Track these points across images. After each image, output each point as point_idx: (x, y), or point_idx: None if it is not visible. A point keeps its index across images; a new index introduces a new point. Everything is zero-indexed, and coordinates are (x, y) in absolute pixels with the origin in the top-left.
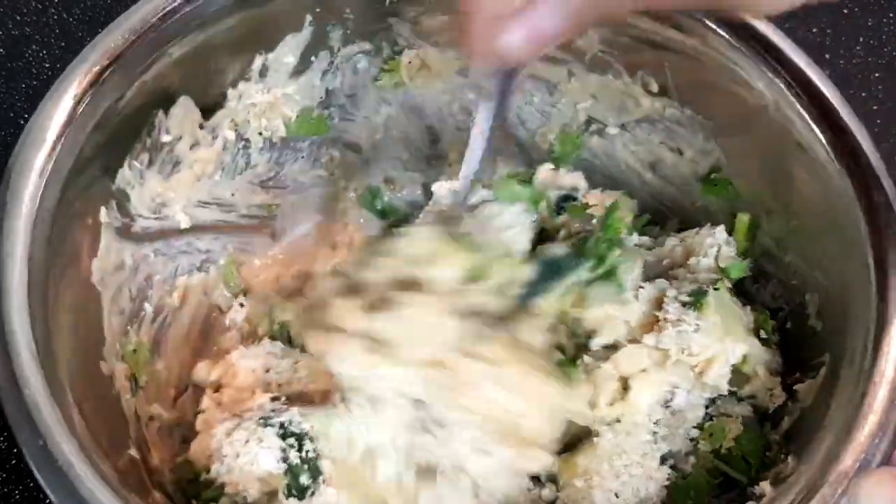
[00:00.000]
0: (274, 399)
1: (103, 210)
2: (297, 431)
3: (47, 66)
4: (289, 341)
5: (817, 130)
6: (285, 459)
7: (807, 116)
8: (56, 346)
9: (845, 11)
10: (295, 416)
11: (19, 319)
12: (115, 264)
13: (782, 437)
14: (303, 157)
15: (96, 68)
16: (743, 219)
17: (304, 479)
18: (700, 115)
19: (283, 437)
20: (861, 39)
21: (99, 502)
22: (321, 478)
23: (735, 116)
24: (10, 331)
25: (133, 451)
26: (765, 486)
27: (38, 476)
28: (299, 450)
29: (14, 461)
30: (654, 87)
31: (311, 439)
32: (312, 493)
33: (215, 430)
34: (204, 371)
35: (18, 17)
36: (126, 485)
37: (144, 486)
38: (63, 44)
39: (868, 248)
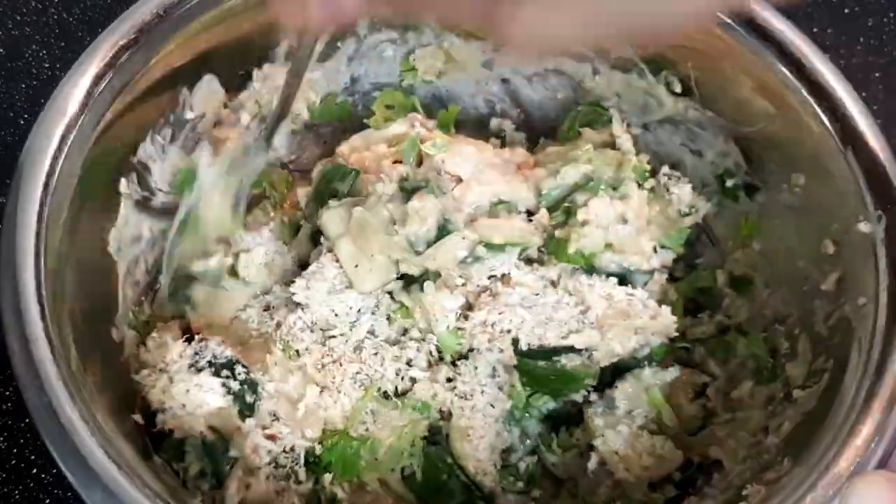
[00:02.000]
0: (187, 340)
1: (123, 181)
2: (225, 360)
3: (47, 66)
4: None
5: (837, 138)
6: (228, 391)
7: (827, 123)
8: (68, 310)
9: (845, 11)
10: (217, 348)
11: (33, 282)
12: (132, 236)
13: (782, 441)
14: (325, 142)
15: (123, 41)
16: (752, 219)
17: (248, 398)
18: (721, 118)
19: (217, 373)
20: (861, 39)
21: (98, 461)
22: (259, 388)
23: (755, 120)
24: (23, 292)
25: (137, 417)
26: (758, 489)
27: (41, 435)
28: (233, 377)
29: (14, 461)
30: (678, 88)
31: (238, 361)
32: (259, 404)
33: (153, 389)
34: None
35: (18, 17)
36: (130, 448)
37: (146, 450)
38: (63, 44)
39: (880, 259)
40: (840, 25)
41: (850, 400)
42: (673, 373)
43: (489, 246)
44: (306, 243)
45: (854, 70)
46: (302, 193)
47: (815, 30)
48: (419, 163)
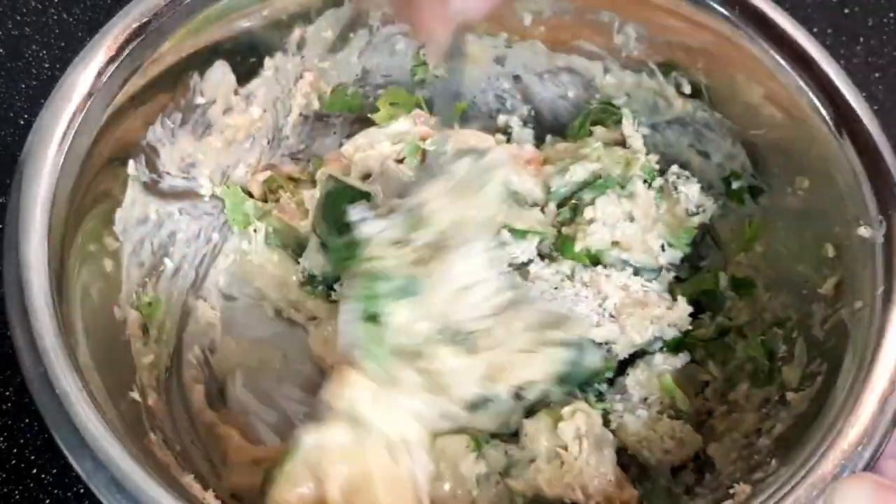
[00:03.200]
0: None
1: (132, 163)
2: None
3: (47, 66)
4: None
5: (842, 142)
6: None
7: (833, 129)
8: (71, 286)
9: (845, 11)
10: None
11: (36, 255)
12: (138, 217)
13: (773, 442)
14: (335, 132)
15: (136, 24)
16: (756, 222)
17: None
18: (729, 120)
19: None
20: (861, 39)
21: (90, 432)
22: None
23: (762, 123)
24: (26, 266)
25: (135, 395)
26: (745, 488)
27: (37, 404)
28: None
29: (14, 461)
30: (687, 89)
31: None
32: None
33: None
34: None
35: (18, 17)
36: (125, 423)
37: (143, 427)
38: (63, 44)
39: (879, 264)
40: (840, 25)
41: (841, 403)
42: (683, 358)
43: (513, 231)
44: (317, 255)
45: (854, 70)
46: (308, 197)
47: (814, 30)
48: (423, 160)
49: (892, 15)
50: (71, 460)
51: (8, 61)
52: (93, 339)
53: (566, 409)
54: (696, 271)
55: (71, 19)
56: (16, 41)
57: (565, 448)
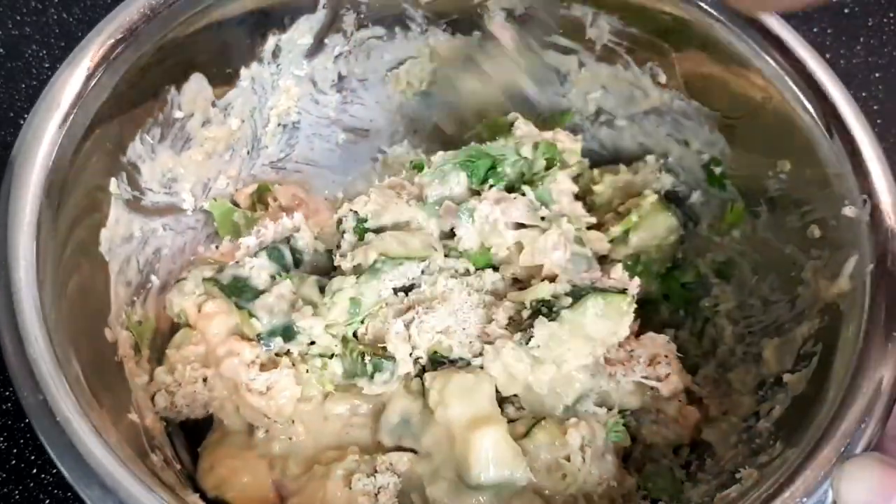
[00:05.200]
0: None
1: (113, 181)
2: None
3: (47, 66)
4: None
5: (822, 124)
6: None
7: (811, 111)
8: (61, 309)
9: (845, 11)
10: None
11: (26, 280)
12: (123, 236)
13: (773, 425)
14: (318, 138)
15: (111, 41)
16: (737, 207)
17: None
18: (706, 107)
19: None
20: (861, 39)
21: (94, 457)
22: None
23: (740, 108)
24: (16, 291)
25: (133, 416)
26: (751, 472)
27: (38, 432)
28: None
29: (14, 461)
30: (663, 79)
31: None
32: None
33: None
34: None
35: (18, 17)
36: (127, 446)
37: (143, 448)
38: (63, 44)
39: (866, 243)
40: (840, 25)
41: (839, 381)
42: None
43: None
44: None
45: (854, 70)
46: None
47: (815, 30)
48: None
49: (892, 15)
50: (77, 488)
51: (8, 61)
52: (86, 363)
53: (571, 421)
54: (675, 268)
55: (71, 19)
56: (16, 41)
57: (567, 458)
